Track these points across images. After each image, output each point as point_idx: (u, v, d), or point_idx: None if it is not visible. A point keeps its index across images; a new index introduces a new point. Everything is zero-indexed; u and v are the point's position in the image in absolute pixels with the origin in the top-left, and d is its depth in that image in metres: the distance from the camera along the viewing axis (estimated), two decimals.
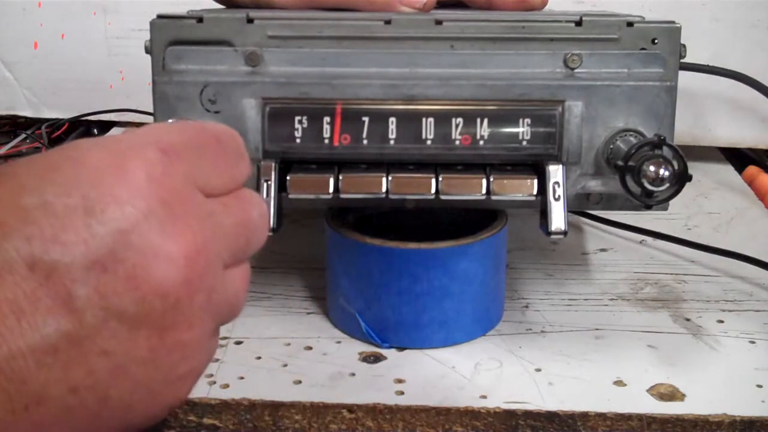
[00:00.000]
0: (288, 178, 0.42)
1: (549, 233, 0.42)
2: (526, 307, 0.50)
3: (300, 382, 0.42)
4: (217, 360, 0.44)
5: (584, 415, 0.39)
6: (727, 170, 0.78)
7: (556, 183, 0.42)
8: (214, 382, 0.42)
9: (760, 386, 0.42)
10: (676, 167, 0.39)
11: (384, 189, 0.42)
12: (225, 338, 0.46)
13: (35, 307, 0.24)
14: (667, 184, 0.39)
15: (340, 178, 0.42)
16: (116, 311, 0.25)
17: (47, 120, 0.84)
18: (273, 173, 0.42)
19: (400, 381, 0.43)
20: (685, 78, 0.46)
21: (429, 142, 0.42)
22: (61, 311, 0.24)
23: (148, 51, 0.43)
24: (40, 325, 0.24)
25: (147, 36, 0.43)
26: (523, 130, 0.42)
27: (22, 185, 0.25)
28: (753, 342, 0.46)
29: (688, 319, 0.49)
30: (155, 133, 0.29)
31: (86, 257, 0.25)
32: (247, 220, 0.31)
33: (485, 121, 0.42)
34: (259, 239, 0.32)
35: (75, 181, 0.26)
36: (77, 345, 0.25)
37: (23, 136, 0.83)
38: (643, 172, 0.39)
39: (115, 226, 0.25)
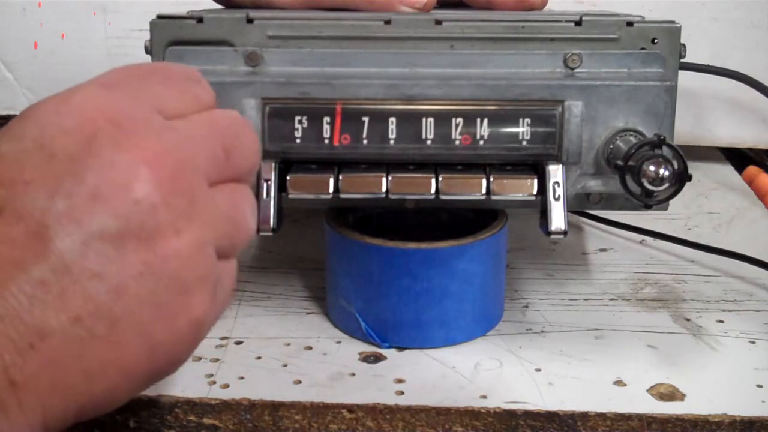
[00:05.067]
0: (288, 178, 0.42)
1: (549, 233, 0.42)
2: (526, 307, 0.50)
3: (300, 382, 0.42)
4: (217, 360, 0.44)
5: (584, 415, 0.39)
6: (727, 170, 0.79)
7: (556, 183, 0.42)
8: (214, 382, 0.42)
9: (760, 386, 0.42)
10: (676, 167, 0.39)
11: (384, 189, 0.42)
12: (225, 338, 0.46)
13: (12, 246, 0.24)
14: (667, 184, 0.39)
15: (340, 178, 0.42)
16: (95, 231, 0.25)
17: None
18: (273, 173, 0.42)
19: (400, 381, 0.43)
20: (685, 78, 0.46)
21: (429, 142, 0.42)
22: (39, 245, 0.24)
23: (148, 51, 0.43)
24: (22, 262, 0.24)
25: (147, 36, 0.43)
26: (523, 130, 0.42)
27: None
28: (753, 342, 0.46)
29: (688, 319, 0.49)
30: (96, 77, 0.30)
31: (48, 190, 0.25)
32: (222, 130, 0.30)
33: (485, 121, 0.42)
34: (245, 147, 0.31)
35: (24, 129, 0.27)
36: (66, 274, 0.25)
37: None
38: (643, 171, 0.39)
39: (67, 154, 0.26)
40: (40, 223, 0.25)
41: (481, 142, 0.42)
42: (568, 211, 0.42)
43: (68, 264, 0.25)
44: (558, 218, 0.42)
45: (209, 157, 0.29)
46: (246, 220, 0.31)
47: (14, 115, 0.28)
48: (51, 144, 0.26)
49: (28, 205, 0.25)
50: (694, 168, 0.40)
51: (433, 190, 0.42)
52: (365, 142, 0.42)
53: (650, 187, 0.39)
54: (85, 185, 0.25)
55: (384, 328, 0.46)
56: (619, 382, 0.42)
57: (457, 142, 0.42)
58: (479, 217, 0.48)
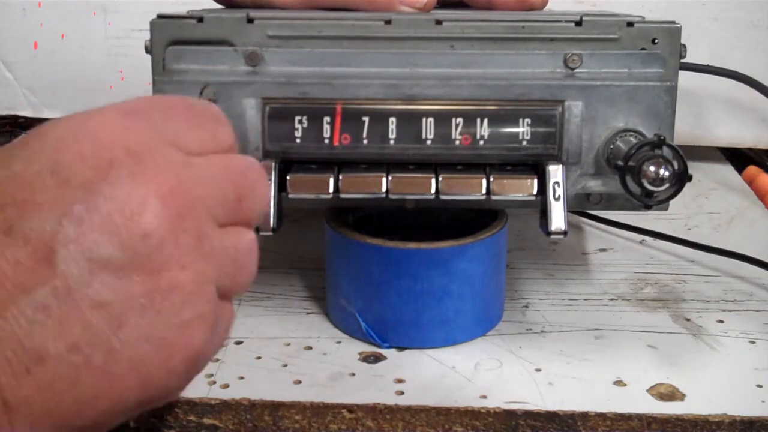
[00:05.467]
0: (288, 177, 0.42)
1: (549, 233, 0.42)
2: (526, 307, 0.50)
3: (300, 382, 0.42)
4: (217, 360, 0.44)
5: (584, 415, 0.39)
6: (727, 170, 0.79)
7: (556, 183, 0.42)
8: (214, 382, 0.42)
9: (760, 386, 0.42)
10: (676, 167, 0.39)
11: (384, 189, 0.42)
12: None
13: (17, 268, 0.24)
14: (667, 184, 0.39)
15: (340, 178, 0.42)
16: (101, 260, 0.25)
17: (47, 120, 0.84)
18: (273, 173, 0.42)
19: (400, 381, 0.43)
20: (685, 78, 0.46)
21: (429, 142, 0.42)
22: (44, 269, 0.24)
23: (148, 51, 0.43)
24: (26, 285, 0.24)
25: (147, 36, 0.43)
26: (523, 130, 0.42)
27: None
28: (753, 342, 0.46)
29: (688, 319, 0.49)
30: (118, 103, 0.29)
31: (59, 213, 0.25)
32: (237, 174, 0.30)
33: (485, 121, 0.42)
34: (257, 194, 0.31)
35: (40, 150, 0.27)
36: (68, 299, 0.25)
37: (23, 136, 0.82)
38: (643, 172, 0.39)
39: (82, 180, 0.26)
40: (47, 247, 0.25)
41: (481, 142, 0.42)
42: (568, 211, 0.42)
43: (71, 290, 0.25)
44: (558, 218, 0.42)
45: (221, 198, 0.29)
46: (249, 265, 0.31)
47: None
48: (66, 170, 0.26)
49: (36, 228, 0.25)
50: (694, 168, 0.40)
51: (433, 190, 0.42)
52: (365, 142, 0.42)
53: (650, 187, 0.39)
54: (97, 213, 0.25)
55: (384, 328, 0.46)
56: (619, 382, 0.42)
57: (457, 142, 0.42)
58: (479, 217, 0.48)
